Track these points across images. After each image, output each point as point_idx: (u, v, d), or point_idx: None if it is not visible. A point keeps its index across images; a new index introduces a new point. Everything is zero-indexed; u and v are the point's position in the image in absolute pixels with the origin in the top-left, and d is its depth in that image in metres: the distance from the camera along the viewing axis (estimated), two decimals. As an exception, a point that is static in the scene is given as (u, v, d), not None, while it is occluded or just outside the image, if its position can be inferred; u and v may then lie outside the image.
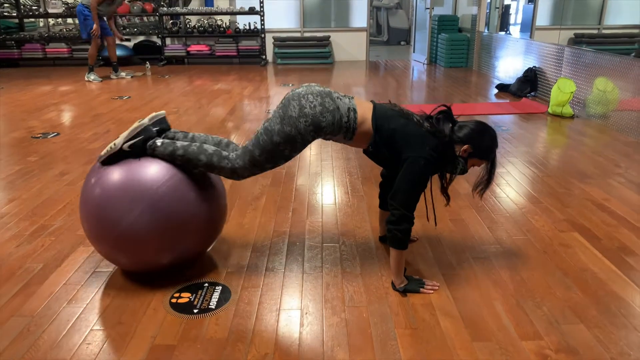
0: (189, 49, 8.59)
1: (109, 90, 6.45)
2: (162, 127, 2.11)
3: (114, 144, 1.95)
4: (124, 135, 1.95)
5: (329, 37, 8.87)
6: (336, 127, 1.95)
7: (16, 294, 2.03)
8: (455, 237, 2.48)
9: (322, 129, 1.93)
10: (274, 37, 8.74)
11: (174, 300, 1.98)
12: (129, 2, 8.51)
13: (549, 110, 5.03)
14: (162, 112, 2.15)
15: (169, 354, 1.68)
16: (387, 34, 12.66)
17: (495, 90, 6.28)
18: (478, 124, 2.02)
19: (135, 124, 1.98)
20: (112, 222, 1.90)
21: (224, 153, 2.00)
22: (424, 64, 8.74)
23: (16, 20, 8.91)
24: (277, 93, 6.26)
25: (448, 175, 2.11)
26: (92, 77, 7.07)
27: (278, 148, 1.94)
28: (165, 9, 8.47)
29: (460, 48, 8.18)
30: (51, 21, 9.79)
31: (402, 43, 12.35)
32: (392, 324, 1.82)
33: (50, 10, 8.55)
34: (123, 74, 7.32)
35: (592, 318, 1.85)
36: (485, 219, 2.67)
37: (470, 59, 8.17)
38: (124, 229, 1.89)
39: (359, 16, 9.23)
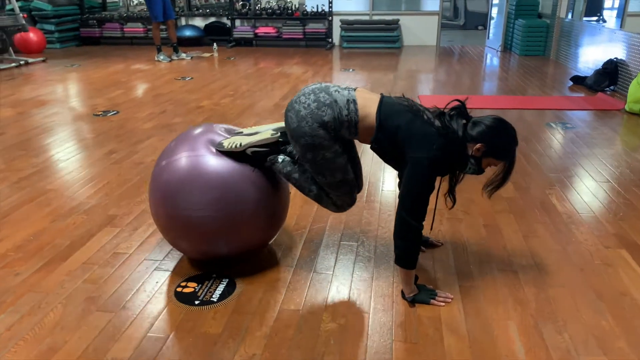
0: (256, 31, 8.67)
1: (174, 71, 6.65)
2: (286, 139, 2.02)
3: (240, 144, 1.92)
4: (253, 139, 1.93)
5: (398, 20, 8.60)
6: (337, 121, 1.84)
7: (38, 270, 2.13)
8: (483, 245, 2.31)
9: (326, 124, 1.84)
10: (341, 20, 8.60)
11: (179, 289, 1.99)
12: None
13: (626, 107, 4.57)
14: (282, 123, 2.05)
15: (159, 344, 1.69)
16: (464, 18, 12.10)
17: (570, 83, 5.81)
18: (494, 121, 1.83)
19: (269, 134, 1.95)
20: (176, 207, 1.92)
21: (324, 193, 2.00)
22: (497, 50, 8.26)
23: (99, 0, 9.38)
24: (334, 79, 6.16)
25: (459, 175, 1.96)
26: (161, 57, 7.32)
27: (318, 162, 1.88)
28: (235, -10, 8.57)
29: (538, 35, 7.64)
30: (135, 1, 10.23)
31: (480, 28, 11.75)
32: (392, 336, 1.72)
33: (129, -9, 8.91)
34: (183, 55, 7.52)
35: (619, 351, 1.65)
36: (522, 226, 2.47)
37: (548, 47, 7.61)
38: (193, 217, 1.91)
39: (431, -1, 8.86)
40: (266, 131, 2.00)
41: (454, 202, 2.00)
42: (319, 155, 1.87)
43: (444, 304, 1.88)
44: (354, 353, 1.65)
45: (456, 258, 2.20)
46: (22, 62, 7.01)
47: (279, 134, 1.99)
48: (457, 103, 1.86)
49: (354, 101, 1.85)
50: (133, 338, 1.72)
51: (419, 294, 1.90)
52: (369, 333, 1.74)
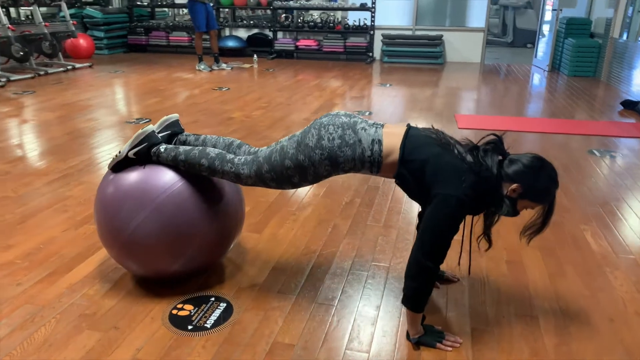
0: (297, 43, 8.67)
1: (213, 81, 6.70)
2: (174, 130, 2.07)
3: (120, 152, 1.94)
4: (129, 142, 1.93)
5: (442, 36, 8.42)
6: (358, 162, 1.74)
7: (40, 280, 2.10)
8: (504, 284, 2.13)
9: (339, 165, 1.74)
10: (382, 35, 8.49)
11: (174, 312, 1.91)
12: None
13: (680, 136, 4.24)
14: (175, 115, 2.11)
15: (144, 372, 1.62)
16: (512, 35, 11.75)
17: (621, 107, 5.48)
18: (533, 160, 1.68)
19: (140, 131, 1.94)
20: (118, 227, 1.88)
21: (229, 156, 1.89)
22: (545, 70, 7.93)
23: (148, 9, 9.64)
24: (370, 94, 6.05)
25: (494, 216, 1.80)
26: (202, 66, 7.41)
27: (287, 172, 1.79)
28: (278, 2, 8.61)
29: (589, 55, 7.28)
30: (183, 10, 10.45)
31: (529, 46, 11.35)
32: (389, 381, 1.59)
33: (176, 1, 9.11)
34: (224, 65, 7.59)
35: (646, 422, 1.46)
36: (549, 265, 2.27)
37: (599, 68, 7.24)
38: (129, 234, 1.86)
39: (477, 15, 8.62)
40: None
41: (490, 244, 1.84)
42: (296, 175, 1.79)
43: (451, 348, 1.73)
44: (344, 399, 1.52)
45: (472, 296, 2.04)
46: (69, 67, 7.24)
47: (151, 126, 1.97)
48: (493, 137, 1.71)
49: (379, 142, 1.73)
50: (118, 362, 1.66)
51: (425, 336, 1.75)
52: (364, 377, 1.61)
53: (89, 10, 8.71)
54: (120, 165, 1.97)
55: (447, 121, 4.72)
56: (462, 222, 1.71)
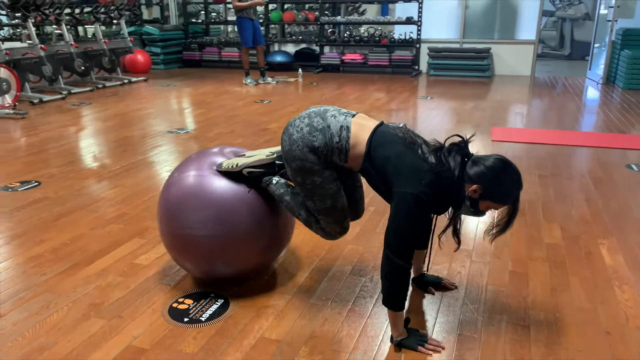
0: (343, 57, 8.80)
1: (256, 94, 6.93)
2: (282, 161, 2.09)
3: (237, 164, 1.97)
4: (249, 160, 1.98)
5: (490, 49, 8.28)
6: (329, 147, 1.80)
7: (61, 272, 2.29)
8: (502, 294, 2.11)
9: (317, 150, 1.80)
10: (429, 48, 8.47)
11: (175, 305, 2.03)
12: (296, 11, 9.04)
13: None
14: None
15: (137, 356, 1.74)
16: (570, 48, 11.35)
17: (673, 121, 5.19)
18: (496, 161, 1.67)
19: (265, 155, 1.98)
20: (177, 225, 1.99)
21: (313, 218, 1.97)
22: (598, 83, 7.63)
23: (203, 26, 10.10)
24: (409, 106, 6.05)
25: (457, 215, 1.81)
26: (248, 80, 7.68)
27: (307, 186, 1.86)
28: (325, 18, 8.79)
29: (646, 67, 6.94)
30: (230, 28, 10.88)
31: (587, 58, 10.93)
32: (363, 380, 1.62)
33: (229, 18, 9.50)
34: (269, 79, 7.81)
35: None
36: (555, 278, 2.22)
37: (657, 80, 6.89)
38: (186, 233, 1.97)
39: (528, 27, 8.43)
40: (263, 153, 2.01)
41: (458, 243, 1.85)
42: (308, 180, 1.84)
43: (432, 352, 1.74)
44: (316, 393, 1.57)
45: (466, 304, 2.03)
46: (125, 81, 7.71)
47: (275, 155, 1.99)
48: (457, 138, 1.73)
49: (347, 128, 1.80)
50: (115, 347, 1.79)
51: (407, 339, 1.77)
52: (340, 374, 1.65)
53: (148, 27, 9.24)
54: (229, 175, 2.01)
55: (481, 133, 4.66)
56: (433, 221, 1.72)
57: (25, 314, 1.98)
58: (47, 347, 1.78)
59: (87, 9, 7.64)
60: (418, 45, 8.45)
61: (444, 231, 1.82)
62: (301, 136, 1.81)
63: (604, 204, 3.05)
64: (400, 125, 5.03)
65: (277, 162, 2.00)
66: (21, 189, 3.32)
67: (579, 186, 3.33)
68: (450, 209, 1.78)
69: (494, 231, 1.75)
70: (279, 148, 2.01)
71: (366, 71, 8.91)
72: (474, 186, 1.65)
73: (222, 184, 1.98)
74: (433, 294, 2.10)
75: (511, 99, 6.52)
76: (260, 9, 8.94)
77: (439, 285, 2.14)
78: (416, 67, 8.51)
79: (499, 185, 1.65)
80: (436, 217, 1.91)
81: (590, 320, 1.93)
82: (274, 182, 2.00)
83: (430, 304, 2.04)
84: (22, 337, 1.84)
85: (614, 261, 2.37)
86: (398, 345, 1.76)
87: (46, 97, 6.34)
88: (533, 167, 3.71)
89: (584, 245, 2.52)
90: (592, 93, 7.03)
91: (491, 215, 2.71)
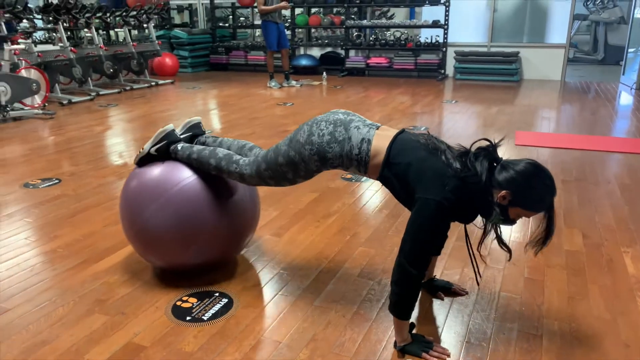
0: (368, 61, 8.75)
1: (280, 97, 6.93)
2: (195, 132, 2.22)
3: (143, 148, 2.10)
4: (151, 139, 2.09)
5: (518, 53, 8.10)
6: (346, 159, 1.77)
7: (71, 268, 2.31)
8: (515, 300, 2.02)
9: (327, 160, 1.78)
10: (455, 52, 8.34)
11: (179, 303, 2.02)
12: (322, 15, 9.04)
13: None
14: (197, 118, 2.25)
15: (136, 353, 1.72)
16: (604, 52, 11.02)
17: None
18: (527, 166, 1.59)
19: (160, 129, 2.10)
20: (133, 217, 2.04)
21: (235, 157, 1.99)
22: (632, 88, 7.37)
23: (230, 30, 10.20)
24: (430, 110, 5.95)
25: (487, 224, 1.74)
26: (272, 83, 7.71)
27: (281, 169, 1.86)
28: (351, 21, 8.75)
29: (683, 72, 6.67)
30: (257, 32, 10.96)
31: (621, 63, 10.60)
32: (363, 385, 1.57)
33: (256, 22, 9.56)
34: (293, 82, 7.82)
35: None
36: (572, 286, 2.12)
37: (694, 85, 6.60)
38: (142, 224, 2.02)
39: (558, 31, 8.22)
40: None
41: (510, 253, 1.77)
42: (287, 170, 1.87)
43: (437, 360, 1.67)
44: (312, 397, 1.52)
45: (476, 310, 1.95)
46: (152, 84, 7.83)
47: (171, 125, 2.14)
48: (485, 142, 1.66)
49: (369, 141, 1.75)
50: (115, 343, 1.78)
51: (411, 344, 1.71)
52: (339, 378, 1.60)
53: (176, 31, 9.38)
54: (144, 160, 2.16)
55: (505, 137, 4.53)
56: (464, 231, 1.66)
57: (32, 308, 1.99)
58: (48, 341, 1.79)
59: (117, 13, 7.81)
60: (444, 48, 8.33)
61: (481, 242, 1.76)
62: (319, 142, 1.78)
63: (630, 210, 2.92)
64: (422, 129, 4.95)
65: (181, 134, 2.20)
66: (42, 185, 3.38)
67: (604, 192, 3.20)
68: (479, 217, 1.71)
69: (535, 245, 1.66)
70: (184, 122, 2.24)
71: (391, 75, 8.82)
72: (503, 192, 1.57)
73: (180, 174, 2.05)
74: (442, 299, 2.03)
75: (539, 104, 6.34)
76: (286, 12, 8.97)
77: (448, 290, 2.07)
78: (442, 71, 8.39)
79: (530, 190, 1.57)
80: (466, 227, 1.84)
81: (608, 331, 1.83)
82: (179, 147, 2.10)
83: (438, 309, 1.97)
84: (25, 331, 1.85)
85: (637, 270, 2.25)
86: (401, 351, 1.70)
87: (75, 98, 6.49)
88: (557, 172, 3.58)
89: (605, 253, 2.41)
90: (625, 98, 6.79)
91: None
